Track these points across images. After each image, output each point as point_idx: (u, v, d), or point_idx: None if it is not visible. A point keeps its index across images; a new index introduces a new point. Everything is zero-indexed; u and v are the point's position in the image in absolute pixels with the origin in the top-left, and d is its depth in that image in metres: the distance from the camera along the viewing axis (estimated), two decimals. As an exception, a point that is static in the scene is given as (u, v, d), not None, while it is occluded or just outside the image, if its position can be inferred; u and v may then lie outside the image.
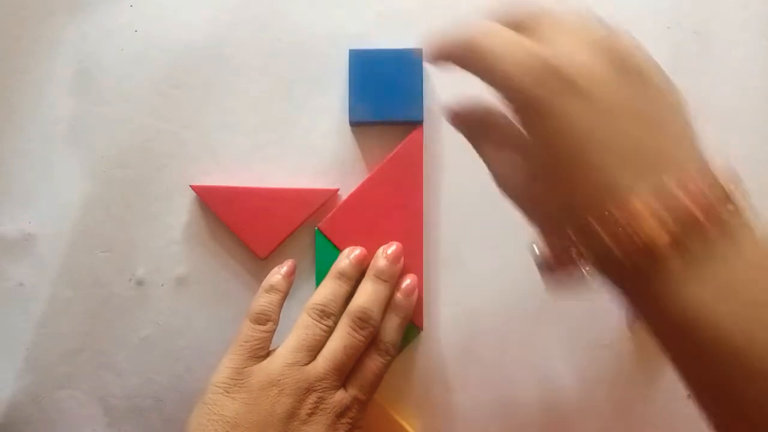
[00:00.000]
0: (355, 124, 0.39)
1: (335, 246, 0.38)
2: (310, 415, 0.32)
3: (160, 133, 0.39)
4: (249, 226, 0.38)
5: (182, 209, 0.39)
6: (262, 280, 0.36)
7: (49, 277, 0.38)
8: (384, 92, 0.38)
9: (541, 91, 0.25)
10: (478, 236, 0.39)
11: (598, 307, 0.40)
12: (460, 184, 0.40)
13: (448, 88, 0.40)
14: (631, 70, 0.25)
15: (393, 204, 0.37)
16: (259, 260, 0.39)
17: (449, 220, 0.38)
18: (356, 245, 0.37)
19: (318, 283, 0.38)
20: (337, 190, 0.39)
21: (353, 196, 0.38)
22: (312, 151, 0.39)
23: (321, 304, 0.35)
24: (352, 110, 0.38)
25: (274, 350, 0.34)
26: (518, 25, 0.27)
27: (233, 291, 0.39)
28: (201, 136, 0.39)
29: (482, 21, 0.27)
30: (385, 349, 0.35)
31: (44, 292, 0.39)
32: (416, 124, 0.38)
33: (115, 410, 0.39)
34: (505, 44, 0.26)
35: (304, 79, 0.39)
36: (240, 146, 0.39)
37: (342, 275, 0.36)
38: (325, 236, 0.38)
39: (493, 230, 0.38)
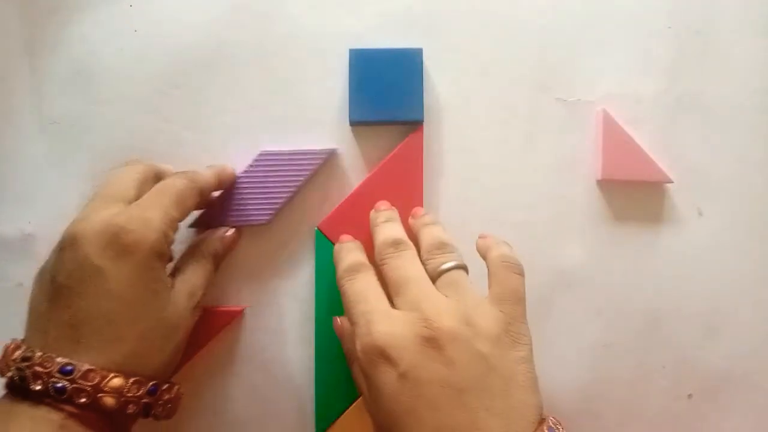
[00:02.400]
0: (355, 124, 0.39)
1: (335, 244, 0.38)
2: None
3: (160, 133, 0.39)
4: None
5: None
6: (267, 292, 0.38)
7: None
8: (384, 92, 0.38)
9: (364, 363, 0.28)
10: (477, 236, 0.39)
11: (598, 307, 0.40)
12: (460, 184, 0.40)
13: (448, 88, 0.40)
14: (444, 347, 0.27)
15: (393, 204, 0.37)
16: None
17: (449, 220, 0.38)
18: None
19: (318, 282, 0.38)
20: (243, 309, 0.39)
21: (353, 196, 0.38)
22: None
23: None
24: (352, 110, 0.38)
25: None
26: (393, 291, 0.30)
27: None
28: (201, 136, 0.39)
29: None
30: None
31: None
32: (416, 124, 0.38)
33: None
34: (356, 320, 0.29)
35: (304, 79, 0.39)
36: (240, 146, 0.39)
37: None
38: (324, 236, 0.38)
39: (492, 230, 0.38)
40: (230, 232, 0.37)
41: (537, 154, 0.40)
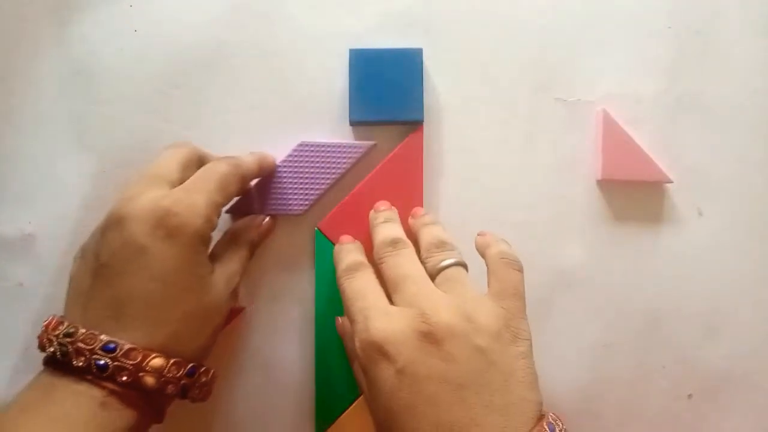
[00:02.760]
0: (355, 124, 0.39)
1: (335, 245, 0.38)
2: None
3: (160, 133, 0.39)
4: None
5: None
6: (267, 292, 0.37)
7: (49, 277, 0.38)
8: (384, 92, 0.38)
9: (363, 359, 0.28)
10: (480, 231, 0.39)
11: (598, 307, 0.40)
12: (460, 184, 0.40)
13: (449, 88, 0.40)
14: (442, 342, 0.27)
15: (393, 204, 0.37)
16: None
17: (449, 220, 0.38)
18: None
19: (318, 282, 0.38)
20: (243, 309, 0.39)
21: (353, 196, 0.38)
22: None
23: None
24: (352, 110, 0.38)
25: None
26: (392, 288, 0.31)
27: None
28: (201, 136, 0.39)
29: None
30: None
31: (44, 292, 0.39)
32: (416, 124, 0.38)
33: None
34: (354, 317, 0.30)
35: (304, 79, 0.39)
36: (240, 146, 0.39)
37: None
38: (324, 236, 0.38)
39: (492, 230, 0.38)
40: (267, 220, 0.37)
41: (537, 154, 0.40)
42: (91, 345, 0.27)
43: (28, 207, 0.39)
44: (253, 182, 0.38)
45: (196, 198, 0.30)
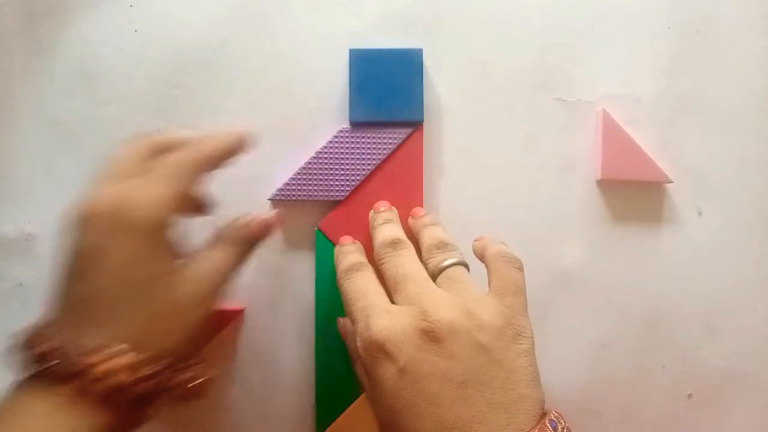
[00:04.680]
0: (355, 124, 0.39)
1: (335, 245, 0.38)
2: None
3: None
4: None
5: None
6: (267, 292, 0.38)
7: (48, 277, 0.38)
8: (384, 92, 0.38)
9: (366, 358, 0.28)
10: (477, 236, 0.39)
11: (598, 307, 0.40)
12: (460, 184, 0.40)
13: (449, 88, 0.40)
14: (443, 339, 0.27)
15: (393, 204, 0.37)
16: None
17: (449, 220, 0.38)
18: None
19: (318, 282, 0.38)
20: (242, 309, 0.39)
21: (353, 196, 0.38)
22: (312, 151, 0.39)
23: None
24: (352, 110, 0.38)
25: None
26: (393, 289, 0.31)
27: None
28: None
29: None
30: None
31: (44, 292, 0.38)
32: (416, 124, 0.38)
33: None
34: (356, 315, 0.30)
35: (304, 79, 0.39)
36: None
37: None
38: (325, 236, 0.38)
39: (492, 230, 0.38)
40: (257, 221, 0.35)
41: (537, 154, 0.40)
42: (60, 345, 0.27)
43: (28, 207, 0.39)
44: (297, 167, 0.38)
45: (150, 189, 0.29)
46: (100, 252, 0.28)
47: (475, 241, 0.34)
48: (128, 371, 0.27)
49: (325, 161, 0.38)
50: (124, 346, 0.28)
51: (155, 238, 0.29)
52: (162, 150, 0.33)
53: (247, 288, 0.39)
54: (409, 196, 0.38)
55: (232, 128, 0.34)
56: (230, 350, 0.39)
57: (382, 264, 0.32)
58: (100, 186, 0.30)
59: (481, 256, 0.32)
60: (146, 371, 0.28)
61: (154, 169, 0.31)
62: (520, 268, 0.31)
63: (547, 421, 0.26)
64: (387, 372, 0.27)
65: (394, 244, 0.32)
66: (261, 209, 0.39)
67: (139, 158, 0.31)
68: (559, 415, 0.27)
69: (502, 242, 0.33)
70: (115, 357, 0.27)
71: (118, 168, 0.31)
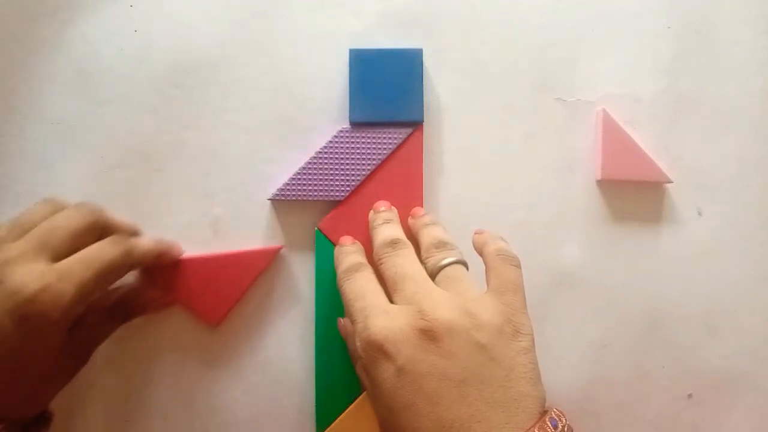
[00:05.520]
0: (355, 124, 0.39)
1: (335, 245, 0.38)
2: None
3: (160, 133, 0.39)
4: (197, 297, 0.37)
5: (181, 209, 0.39)
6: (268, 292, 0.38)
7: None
8: (384, 92, 0.38)
9: (365, 358, 0.28)
10: (477, 229, 0.39)
11: (598, 307, 0.40)
12: (460, 184, 0.40)
13: (449, 88, 0.40)
14: (441, 338, 0.27)
15: (393, 204, 0.37)
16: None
17: (449, 220, 0.38)
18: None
19: (318, 282, 0.38)
20: (280, 247, 0.39)
21: (353, 196, 0.38)
22: (312, 151, 0.39)
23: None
24: (352, 110, 0.38)
25: None
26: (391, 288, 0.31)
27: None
28: (201, 136, 0.39)
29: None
30: None
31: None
32: (416, 124, 0.38)
33: (114, 410, 0.39)
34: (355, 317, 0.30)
35: (304, 79, 0.39)
36: (240, 146, 0.39)
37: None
38: (324, 236, 0.38)
39: (491, 229, 0.38)
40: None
41: (537, 154, 0.40)
42: None
43: (28, 207, 0.39)
44: (297, 167, 0.38)
45: (65, 288, 0.29)
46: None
47: (475, 233, 0.34)
48: None
49: (325, 161, 0.38)
50: None
51: (51, 333, 0.30)
52: (102, 230, 0.33)
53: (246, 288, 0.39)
54: (409, 196, 0.38)
55: (166, 242, 0.37)
56: (230, 350, 0.39)
57: (382, 264, 0.32)
58: (23, 254, 0.30)
59: (480, 252, 0.32)
60: None
61: (76, 260, 0.31)
62: (518, 266, 0.31)
63: (547, 419, 0.26)
64: (386, 372, 0.27)
65: (394, 244, 0.32)
66: (261, 209, 0.39)
67: (72, 236, 0.31)
68: (560, 413, 0.27)
69: (501, 238, 0.33)
70: None
71: (48, 240, 0.31)
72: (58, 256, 0.30)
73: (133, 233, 0.36)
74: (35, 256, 0.30)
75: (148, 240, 0.36)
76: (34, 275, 0.29)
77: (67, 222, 0.32)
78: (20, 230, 0.31)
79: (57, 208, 0.33)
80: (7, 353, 0.29)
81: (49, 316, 0.29)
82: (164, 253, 0.36)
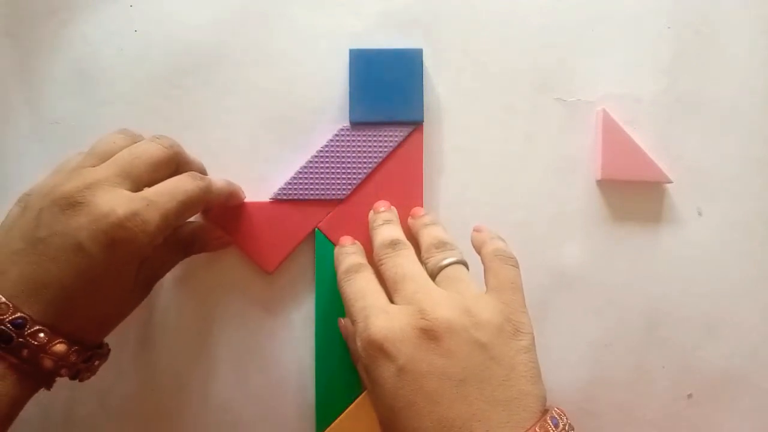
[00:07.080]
0: (355, 124, 0.39)
1: (335, 246, 0.38)
2: None
3: (160, 134, 0.39)
4: (255, 241, 0.38)
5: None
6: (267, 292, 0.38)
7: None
8: (384, 92, 0.38)
9: (365, 357, 0.28)
10: (477, 226, 0.39)
11: (598, 307, 0.40)
12: (460, 184, 0.40)
13: (448, 88, 0.40)
14: (441, 338, 0.27)
15: (393, 204, 0.37)
16: (266, 275, 0.39)
17: (449, 220, 0.38)
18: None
19: (318, 282, 0.38)
20: (338, 203, 0.39)
21: (353, 196, 0.38)
22: (312, 151, 0.39)
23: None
24: (352, 110, 0.38)
25: None
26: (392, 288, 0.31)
27: (237, 299, 0.39)
28: (201, 136, 0.39)
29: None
30: None
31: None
32: (416, 123, 0.38)
33: (115, 409, 0.39)
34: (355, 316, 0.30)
35: (304, 78, 0.39)
36: (240, 146, 0.39)
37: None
38: (325, 236, 0.38)
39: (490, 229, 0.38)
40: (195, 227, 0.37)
41: (537, 154, 0.40)
42: (3, 315, 0.27)
43: (28, 207, 0.39)
44: (297, 167, 0.38)
45: (151, 215, 0.29)
46: (80, 252, 0.28)
47: (474, 230, 0.34)
48: (56, 359, 0.28)
49: (325, 161, 0.38)
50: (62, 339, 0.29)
51: (134, 261, 0.30)
52: (177, 166, 0.33)
53: (247, 288, 0.39)
54: (409, 196, 0.38)
55: (235, 183, 0.37)
56: (230, 349, 0.39)
57: (382, 264, 0.32)
58: (107, 179, 0.30)
59: (478, 252, 0.33)
60: (72, 361, 0.29)
61: (159, 191, 0.31)
62: (516, 265, 0.31)
63: (548, 418, 0.26)
64: (386, 371, 0.27)
65: (394, 244, 0.32)
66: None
67: (152, 167, 0.31)
68: (561, 411, 0.27)
69: (499, 238, 0.33)
70: (52, 345, 0.28)
71: (130, 170, 0.31)
72: (139, 185, 0.31)
73: (204, 172, 0.36)
74: (120, 182, 0.30)
75: (221, 179, 0.36)
76: (122, 200, 0.29)
77: (148, 153, 0.32)
78: (97, 158, 0.31)
79: (134, 138, 0.33)
80: (91, 276, 0.28)
81: (137, 242, 0.29)
82: (234, 194, 0.36)
